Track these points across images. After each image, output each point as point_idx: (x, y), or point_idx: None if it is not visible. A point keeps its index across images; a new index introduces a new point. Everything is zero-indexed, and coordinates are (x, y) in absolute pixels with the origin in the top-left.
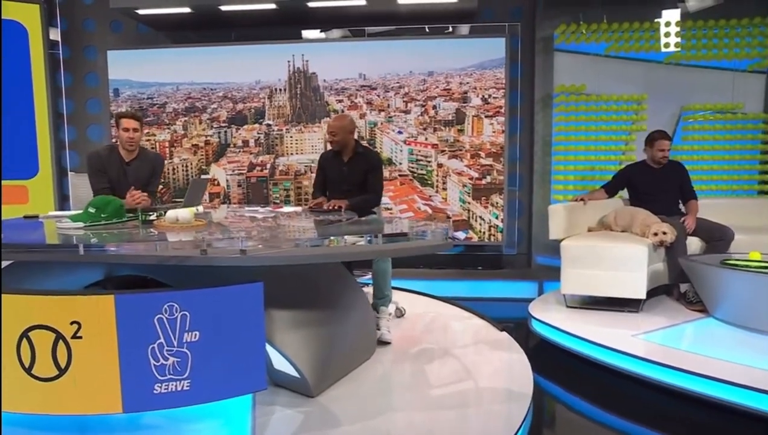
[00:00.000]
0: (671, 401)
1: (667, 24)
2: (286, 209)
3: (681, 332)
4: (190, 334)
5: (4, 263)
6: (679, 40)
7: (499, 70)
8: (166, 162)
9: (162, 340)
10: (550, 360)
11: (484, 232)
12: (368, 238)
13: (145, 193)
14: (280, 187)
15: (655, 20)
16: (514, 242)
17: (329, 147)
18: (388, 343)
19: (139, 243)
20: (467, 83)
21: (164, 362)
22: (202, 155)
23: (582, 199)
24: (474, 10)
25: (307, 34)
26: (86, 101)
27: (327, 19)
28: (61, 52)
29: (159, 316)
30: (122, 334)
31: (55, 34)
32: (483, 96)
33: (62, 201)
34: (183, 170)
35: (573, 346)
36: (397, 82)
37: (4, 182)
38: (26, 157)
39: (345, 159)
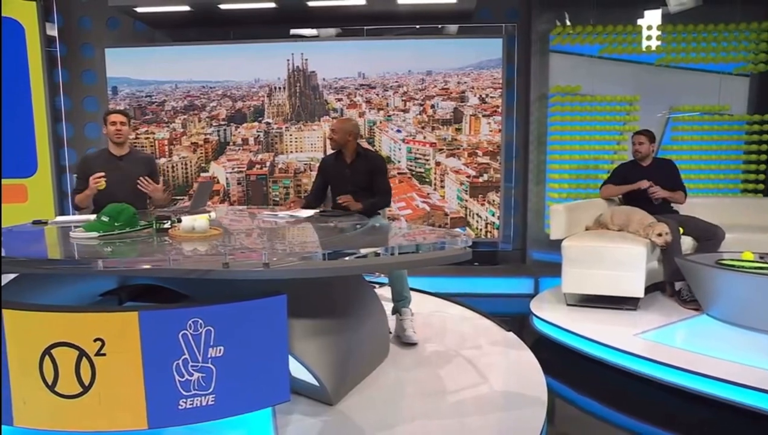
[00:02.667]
0: (674, 399)
1: (659, 27)
2: (304, 214)
3: (678, 330)
4: (214, 349)
5: (12, 276)
6: (666, 43)
7: (496, 70)
8: (165, 160)
9: (187, 355)
10: (552, 357)
11: (480, 229)
12: (386, 250)
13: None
14: (280, 185)
15: (647, 24)
16: (510, 238)
17: (329, 148)
18: (414, 343)
19: (157, 255)
20: (465, 83)
21: (189, 378)
22: (201, 153)
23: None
24: (472, 10)
25: (306, 32)
26: (83, 99)
27: (326, 18)
28: (58, 49)
29: (183, 331)
30: (147, 350)
31: (52, 31)
32: (480, 95)
33: (61, 199)
34: (182, 168)
35: (576, 344)
36: (396, 82)
37: (3, 181)
38: (25, 155)
39: (348, 161)
